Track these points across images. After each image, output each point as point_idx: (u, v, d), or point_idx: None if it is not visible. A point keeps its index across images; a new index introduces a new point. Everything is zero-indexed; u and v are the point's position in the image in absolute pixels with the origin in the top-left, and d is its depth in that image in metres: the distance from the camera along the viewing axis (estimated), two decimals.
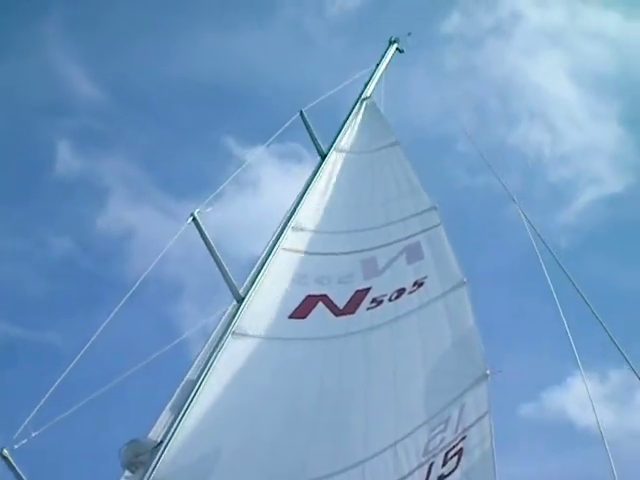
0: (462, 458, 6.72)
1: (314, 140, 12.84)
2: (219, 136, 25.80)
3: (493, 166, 11.77)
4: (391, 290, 9.84)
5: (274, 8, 28.24)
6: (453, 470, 6.67)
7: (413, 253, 10.46)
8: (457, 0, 28.15)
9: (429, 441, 7.25)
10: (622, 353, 7.00)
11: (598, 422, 6.59)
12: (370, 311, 9.64)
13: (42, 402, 8.01)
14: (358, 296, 9.94)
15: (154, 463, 7.73)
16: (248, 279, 10.09)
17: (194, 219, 10.03)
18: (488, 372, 7.48)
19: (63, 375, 8.21)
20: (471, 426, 7.00)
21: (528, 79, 28.71)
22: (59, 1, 27.58)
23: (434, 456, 6.99)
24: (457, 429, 7.08)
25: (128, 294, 9.04)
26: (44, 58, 26.66)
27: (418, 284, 9.73)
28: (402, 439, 7.49)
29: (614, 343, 7.20)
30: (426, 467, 6.93)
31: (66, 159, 26.08)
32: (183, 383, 8.88)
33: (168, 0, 27.82)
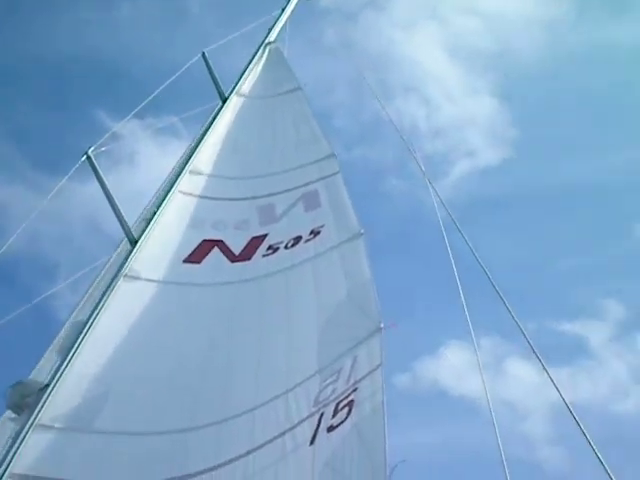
0: (353, 410, 6.79)
1: (215, 82, 12.61)
2: (92, 110, 25.12)
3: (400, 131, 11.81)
4: (288, 238, 9.83)
5: None
6: (343, 421, 6.75)
7: (311, 201, 10.45)
8: None
9: (320, 391, 7.30)
10: (518, 325, 7.09)
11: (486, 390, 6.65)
12: (266, 258, 9.61)
13: None
14: (254, 242, 9.89)
15: (40, 405, 7.57)
16: (142, 221, 9.88)
17: (88, 157, 9.73)
18: (382, 325, 7.56)
19: None
20: (363, 378, 7.07)
21: (403, 53, 28.87)
22: None
23: (325, 406, 7.05)
24: (349, 380, 7.15)
25: None
26: None
27: (315, 233, 9.74)
28: (293, 388, 7.53)
29: (510, 314, 7.25)
30: (316, 417, 6.99)
31: None
32: (70, 324, 8.69)
33: None
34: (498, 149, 27.54)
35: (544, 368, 6.55)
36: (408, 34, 29.42)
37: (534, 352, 6.73)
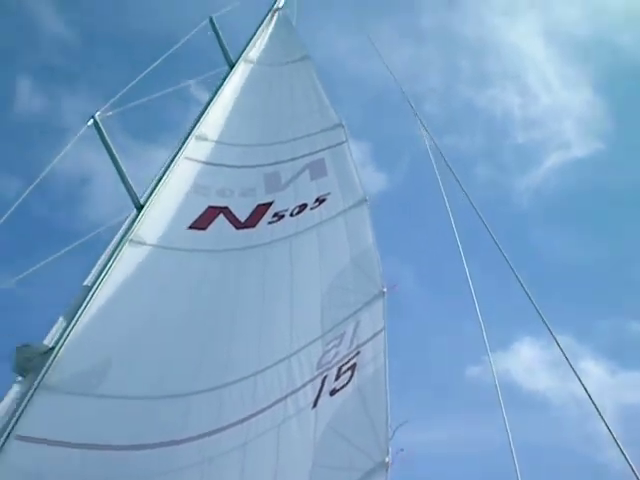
0: (355, 373, 6.79)
1: (223, 48, 12.59)
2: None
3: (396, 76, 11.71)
4: (293, 205, 9.84)
5: None
6: (345, 384, 6.75)
7: (317, 169, 10.45)
8: None
9: (323, 355, 7.31)
10: (539, 313, 6.89)
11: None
12: (271, 225, 9.61)
13: None
14: (260, 210, 9.89)
15: (44, 368, 7.60)
16: (149, 187, 9.89)
17: (95, 122, 9.72)
18: (385, 290, 7.55)
19: None
20: (365, 342, 7.06)
21: (502, 40, 28.46)
22: None
23: (327, 370, 7.06)
24: (352, 344, 7.15)
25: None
26: None
27: (320, 200, 9.74)
28: (296, 352, 7.54)
29: (532, 303, 7.03)
30: (319, 380, 7.00)
31: (26, 97, 24.72)
32: (80, 290, 8.72)
33: None
34: (589, 143, 27.11)
35: (565, 357, 6.40)
36: (508, 21, 29.25)
37: (555, 341, 6.57)
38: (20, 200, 8.71)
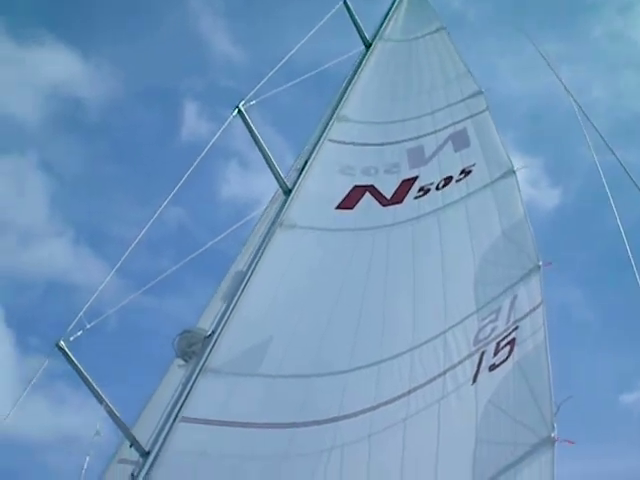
0: (514, 348, 6.67)
1: (359, 29, 12.60)
2: None
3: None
4: (438, 178, 9.76)
5: None
6: (505, 360, 6.65)
7: (460, 140, 10.32)
8: None
9: (480, 330, 7.21)
10: None
11: None
12: (417, 200, 9.58)
13: (95, 294, 8.18)
14: (405, 185, 9.88)
15: (206, 353, 7.89)
16: (295, 171, 10.06)
17: (239, 112, 9.92)
18: (540, 263, 7.35)
19: (117, 265, 8.36)
20: (523, 317, 6.90)
21: None
22: None
23: (485, 345, 6.97)
24: (509, 319, 7.02)
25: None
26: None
27: (465, 172, 9.62)
28: (451, 328, 7.47)
29: None
30: (477, 356, 6.92)
31: (193, 118, 25.08)
32: (232, 274, 8.99)
33: None
34: None
35: None
36: None
37: None
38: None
